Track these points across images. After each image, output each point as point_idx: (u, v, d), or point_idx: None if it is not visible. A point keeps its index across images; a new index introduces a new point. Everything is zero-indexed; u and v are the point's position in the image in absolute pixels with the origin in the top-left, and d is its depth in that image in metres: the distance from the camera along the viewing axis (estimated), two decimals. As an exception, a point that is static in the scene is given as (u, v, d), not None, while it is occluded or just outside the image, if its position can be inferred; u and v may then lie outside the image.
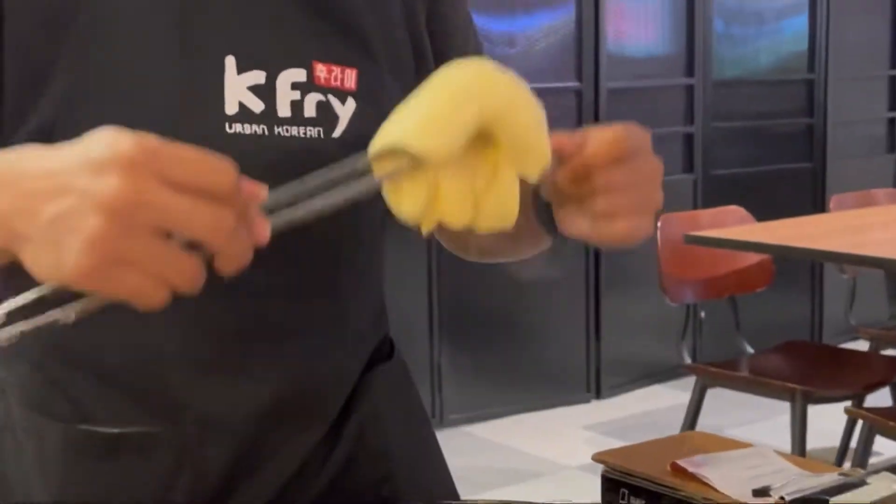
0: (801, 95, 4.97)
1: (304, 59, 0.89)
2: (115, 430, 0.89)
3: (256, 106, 0.87)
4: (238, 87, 0.87)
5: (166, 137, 0.83)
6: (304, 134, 0.89)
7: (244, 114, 0.87)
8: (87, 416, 0.89)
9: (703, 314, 3.55)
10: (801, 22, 4.92)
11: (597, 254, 4.33)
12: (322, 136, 0.90)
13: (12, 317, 0.67)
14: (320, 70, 0.90)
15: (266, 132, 0.88)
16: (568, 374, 4.34)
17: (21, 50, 0.84)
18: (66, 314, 0.66)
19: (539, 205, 0.91)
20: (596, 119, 4.25)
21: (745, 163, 4.79)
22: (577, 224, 0.85)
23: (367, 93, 0.93)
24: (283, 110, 0.88)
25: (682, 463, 1.00)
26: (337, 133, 0.90)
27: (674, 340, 3.48)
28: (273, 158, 0.87)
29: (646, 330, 4.42)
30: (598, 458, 1.05)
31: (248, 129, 0.87)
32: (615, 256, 4.32)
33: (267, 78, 0.88)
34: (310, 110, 0.89)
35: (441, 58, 0.99)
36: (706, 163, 4.66)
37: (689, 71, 4.59)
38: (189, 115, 0.85)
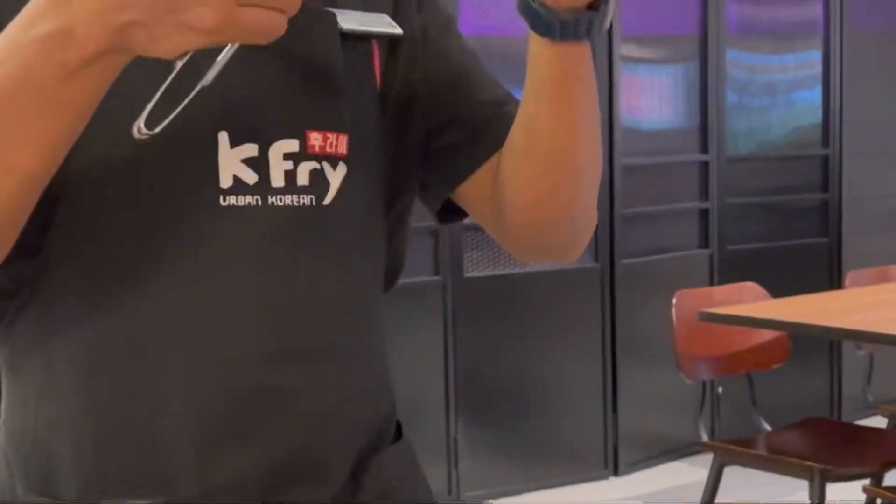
0: (816, 170, 4.98)
1: (297, 128, 0.91)
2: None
3: (250, 178, 0.89)
4: (232, 161, 0.88)
5: (161, 212, 0.87)
6: (298, 202, 0.90)
7: (238, 186, 0.88)
8: (90, 493, 0.89)
9: (720, 390, 3.54)
10: (815, 94, 4.95)
11: (613, 327, 4.33)
12: (314, 202, 0.91)
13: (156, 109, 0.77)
14: (315, 138, 0.91)
15: (260, 202, 0.89)
16: (585, 450, 4.31)
17: None
18: (205, 79, 0.77)
19: (523, 8, 0.89)
20: (611, 197, 4.28)
21: (760, 238, 4.80)
22: None
23: (356, 157, 0.94)
24: (277, 180, 0.90)
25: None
26: (328, 199, 0.92)
27: (691, 416, 3.46)
28: (267, 228, 0.89)
29: (663, 405, 4.40)
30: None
31: (242, 200, 0.88)
32: (631, 330, 4.32)
33: (259, 150, 0.89)
34: (303, 178, 0.91)
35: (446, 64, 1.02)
36: (721, 238, 4.67)
37: (704, 147, 4.62)
38: (183, 190, 0.87)
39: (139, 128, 0.78)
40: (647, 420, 4.43)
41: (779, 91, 4.87)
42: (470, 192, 1.04)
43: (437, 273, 3.96)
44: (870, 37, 5.05)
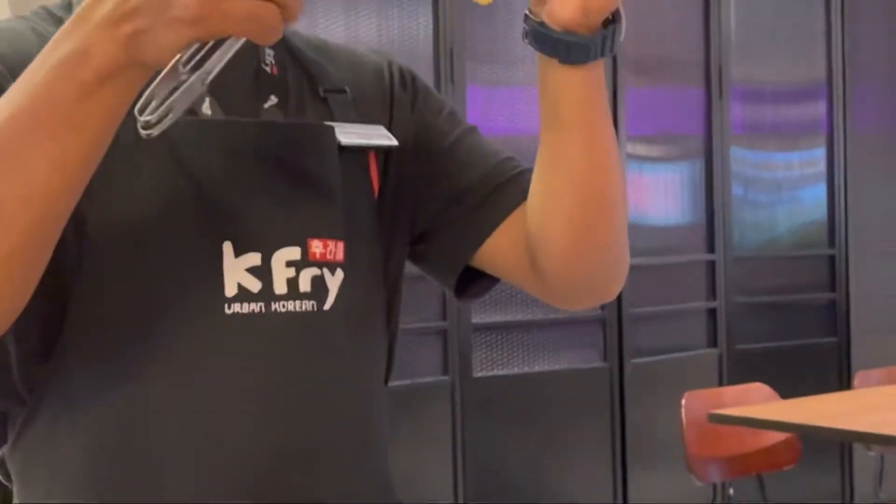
0: (823, 269, 5.00)
1: (299, 237, 0.94)
2: None
3: (254, 286, 0.92)
4: (236, 270, 0.91)
5: (167, 321, 0.89)
6: (300, 308, 0.93)
7: (243, 294, 0.91)
8: None
9: (731, 491, 3.52)
10: (820, 191, 5.00)
11: (622, 427, 4.31)
12: (316, 308, 0.94)
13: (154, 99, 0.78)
14: (316, 246, 0.95)
15: (263, 310, 0.92)
16: (595, 553, 4.27)
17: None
18: (199, 79, 0.77)
19: (533, 33, 0.90)
20: (619, 296, 4.29)
21: (769, 338, 4.80)
22: (566, 3, 0.86)
23: (352, 262, 0.97)
24: (280, 287, 0.93)
25: None
26: (328, 305, 0.95)
27: (702, 519, 3.44)
28: (270, 334, 0.92)
29: (674, 506, 4.36)
30: None
31: (246, 308, 0.91)
32: (640, 430, 4.30)
33: (263, 259, 0.92)
34: (305, 285, 0.94)
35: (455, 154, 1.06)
36: (730, 337, 4.67)
37: (710, 246, 4.65)
38: (189, 299, 0.90)
39: (143, 123, 0.79)
40: (658, 521, 4.39)
41: (784, 188, 4.92)
42: (499, 248, 1.05)
43: (445, 373, 3.96)
44: (873, 137, 5.10)
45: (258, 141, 0.95)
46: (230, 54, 0.78)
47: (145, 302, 0.90)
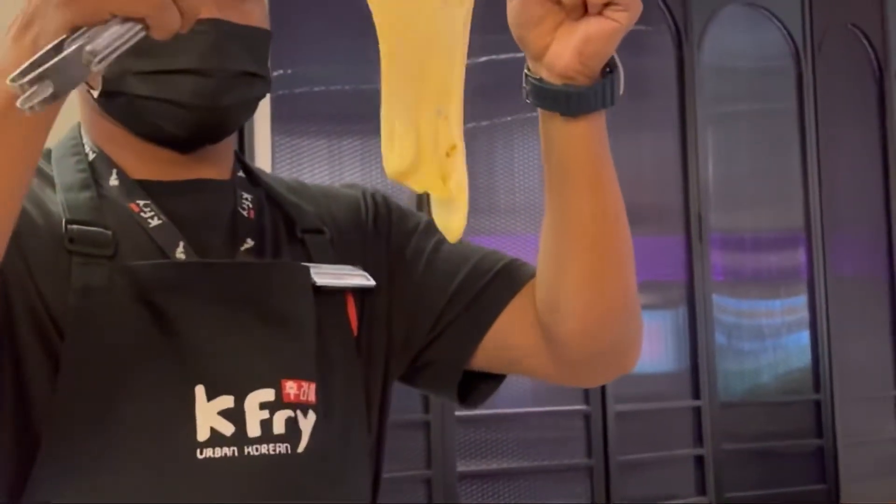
0: (810, 415, 4.99)
1: (273, 378, 0.94)
2: None
3: (227, 429, 0.91)
4: (208, 413, 0.91)
5: (138, 465, 0.88)
6: (273, 450, 0.92)
7: (215, 438, 0.90)
8: None
9: None
10: (803, 337, 5.02)
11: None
12: (290, 451, 0.93)
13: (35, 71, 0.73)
14: (290, 387, 0.94)
15: (236, 454, 0.91)
16: None
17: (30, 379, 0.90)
18: (81, 55, 0.73)
19: (533, 90, 0.90)
20: (605, 443, 4.26)
21: (758, 485, 4.75)
22: (561, 53, 0.87)
23: (324, 404, 0.96)
24: (253, 430, 0.92)
25: None
26: (301, 447, 0.94)
27: None
28: (243, 478, 0.90)
29: None
30: None
31: (219, 452, 0.90)
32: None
33: (236, 401, 0.92)
34: (279, 427, 0.93)
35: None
36: (718, 485, 4.62)
37: (696, 392, 4.64)
38: (161, 444, 0.89)
39: (16, 88, 0.74)
40: None
41: (767, 336, 4.94)
42: (506, 337, 1.04)
43: (428, 467, 3.85)
44: (852, 281, 5.16)
45: (232, 282, 0.96)
46: (126, 42, 0.75)
47: (116, 444, 0.89)
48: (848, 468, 4.99)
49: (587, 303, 0.99)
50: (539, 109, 0.93)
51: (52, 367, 0.89)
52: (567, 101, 0.89)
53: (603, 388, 4.31)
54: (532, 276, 1.06)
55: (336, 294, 1.01)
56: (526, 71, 0.92)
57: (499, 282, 1.06)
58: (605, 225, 0.97)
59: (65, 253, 0.92)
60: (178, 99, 0.93)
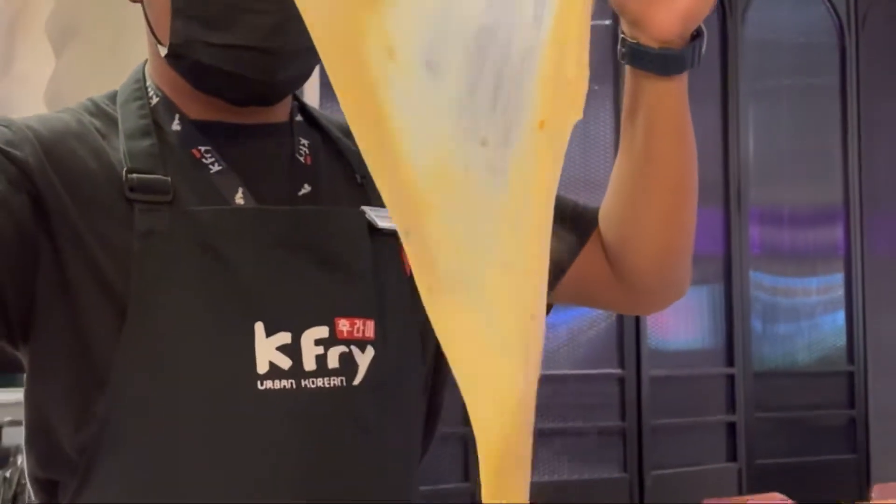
0: (842, 387, 5.02)
1: (327, 317, 0.98)
2: None
3: (285, 363, 0.96)
4: (267, 349, 0.96)
5: (202, 397, 0.94)
6: (329, 384, 0.97)
7: (274, 371, 0.95)
8: None
9: None
10: (839, 317, 5.04)
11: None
12: (344, 384, 0.98)
13: None
14: (343, 325, 0.99)
15: (294, 386, 0.96)
16: None
17: (91, 331, 0.95)
18: None
19: (631, 52, 0.98)
20: (639, 407, 4.33)
21: (788, 453, 4.79)
22: (664, 19, 0.94)
23: (383, 340, 1.01)
24: (309, 364, 0.97)
25: None
26: (357, 380, 0.98)
27: None
28: (301, 409, 0.96)
29: None
30: None
31: (277, 384, 0.95)
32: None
33: (293, 338, 0.97)
34: (333, 362, 0.98)
35: None
36: (749, 452, 4.67)
37: (730, 361, 4.69)
38: (223, 378, 0.95)
39: None
40: None
41: (803, 315, 4.96)
42: (583, 272, 1.11)
43: (466, 479, 3.97)
44: (891, 260, 5.17)
45: (288, 228, 1.00)
46: None
47: (181, 379, 0.95)
48: (879, 440, 5.01)
49: (666, 238, 1.08)
50: (631, 68, 1.02)
51: (115, 311, 0.94)
52: (664, 62, 0.99)
53: (638, 354, 4.37)
54: (596, 215, 1.14)
55: (392, 235, 1.04)
56: (622, 34, 1.01)
57: (574, 224, 1.12)
58: (686, 168, 1.06)
59: (126, 202, 0.96)
60: (239, 72, 0.98)
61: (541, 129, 0.76)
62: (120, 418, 0.94)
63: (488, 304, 0.74)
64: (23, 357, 0.99)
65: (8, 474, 3.15)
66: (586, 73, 0.78)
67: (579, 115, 0.78)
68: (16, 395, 1.04)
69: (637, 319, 4.35)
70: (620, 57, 1.01)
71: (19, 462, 3.16)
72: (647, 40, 0.99)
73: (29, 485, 1.02)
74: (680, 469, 4.45)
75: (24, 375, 0.99)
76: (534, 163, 0.76)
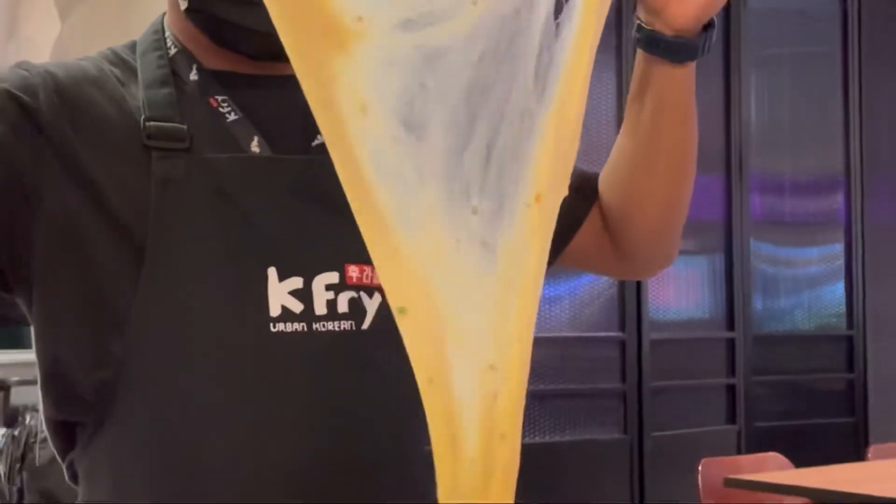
0: (841, 351, 5.07)
1: (337, 263, 1.01)
2: None
3: (296, 307, 0.99)
4: (280, 293, 0.99)
5: (217, 339, 0.96)
6: (339, 328, 1.00)
7: (286, 314, 0.98)
8: None
9: (748, 563, 3.54)
10: (839, 287, 5.08)
11: (641, 499, 4.34)
12: (353, 328, 1.01)
13: None
14: (352, 271, 1.01)
15: (305, 329, 0.99)
16: None
17: (108, 277, 0.97)
18: None
19: (647, 39, 1.03)
20: (639, 370, 4.38)
21: (787, 416, 4.84)
22: (684, 11, 0.99)
23: None
24: (320, 309, 0.99)
25: None
26: (366, 325, 1.01)
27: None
28: (312, 351, 0.99)
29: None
30: None
31: (289, 327, 0.98)
32: (657, 498, 4.33)
33: (304, 283, 0.99)
34: (343, 306, 1.00)
35: None
36: (749, 415, 4.73)
37: (730, 325, 4.74)
38: (237, 320, 0.98)
39: None
40: None
41: (802, 286, 5.00)
42: (584, 240, 1.15)
43: None
44: (891, 227, 5.19)
45: (302, 176, 1.02)
46: None
47: (196, 322, 0.97)
48: (876, 403, 5.06)
49: (665, 214, 1.13)
50: (644, 53, 1.07)
51: (131, 255, 0.96)
52: (678, 50, 1.04)
53: (639, 317, 4.41)
54: (597, 182, 1.18)
55: None
56: (638, 21, 1.05)
57: (578, 190, 1.15)
58: (689, 150, 1.11)
59: (143, 149, 0.98)
60: (255, 28, 0.99)
61: (537, 202, 0.72)
62: (136, 359, 0.96)
63: (471, 408, 0.72)
64: (22, 302, 1.01)
65: (17, 433, 3.22)
66: (576, 147, 0.75)
67: (566, 192, 0.76)
68: (24, 355, 1.06)
69: (638, 286, 4.39)
70: (635, 42, 1.05)
71: (28, 421, 3.23)
72: (662, 27, 1.03)
73: (47, 432, 1.04)
74: (680, 431, 4.50)
75: (33, 327, 1.01)
76: (525, 240, 0.72)
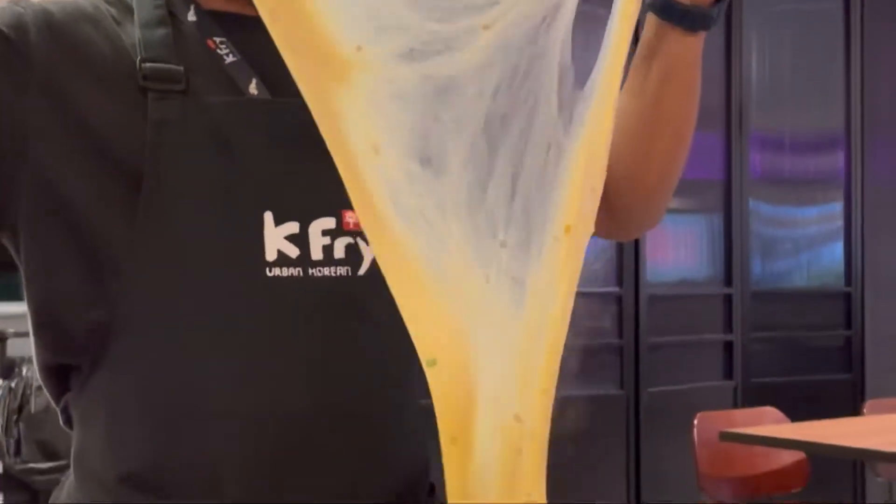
0: (839, 308, 5.07)
1: (334, 208, 1.00)
2: None
3: (293, 252, 0.98)
4: (276, 238, 0.98)
5: (212, 283, 0.96)
6: (335, 273, 1.00)
7: (282, 259, 0.98)
8: None
9: (743, 515, 3.56)
10: (838, 248, 5.08)
11: (637, 454, 4.37)
12: (350, 273, 1.00)
13: None
14: (349, 217, 1.01)
15: (301, 274, 0.98)
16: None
17: (102, 222, 0.97)
18: None
19: (662, 6, 1.02)
20: (636, 325, 4.38)
21: (784, 372, 4.86)
22: None
23: None
24: (316, 254, 0.99)
25: None
26: (362, 270, 1.01)
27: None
28: (308, 296, 0.98)
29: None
30: None
31: (285, 272, 0.98)
32: (655, 457, 4.35)
33: (300, 227, 0.99)
34: (339, 252, 1.00)
35: None
36: (745, 371, 4.74)
37: (728, 282, 4.74)
38: (233, 263, 0.97)
39: None
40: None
41: (801, 247, 5.00)
42: None
43: None
44: (889, 188, 5.19)
45: (300, 120, 0.98)
46: None
47: (193, 265, 0.97)
48: (873, 360, 5.07)
49: (661, 178, 1.13)
50: (655, 19, 1.06)
51: (126, 194, 0.95)
52: (693, 18, 1.03)
53: (636, 273, 4.42)
54: None
55: None
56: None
57: None
58: (691, 116, 1.11)
59: (139, 90, 0.97)
60: None
61: (566, 234, 0.69)
62: (131, 300, 0.96)
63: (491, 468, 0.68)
64: (9, 245, 1.00)
65: (13, 384, 3.23)
66: (603, 182, 0.71)
67: (592, 230, 0.74)
68: (20, 307, 1.05)
69: (636, 243, 4.39)
70: (650, 6, 1.04)
71: (24, 373, 3.24)
72: None
73: (40, 378, 1.04)
74: (676, 387, 4.52)
75: (22, 270, 1.00)
76: (553, 277, 0.69)
